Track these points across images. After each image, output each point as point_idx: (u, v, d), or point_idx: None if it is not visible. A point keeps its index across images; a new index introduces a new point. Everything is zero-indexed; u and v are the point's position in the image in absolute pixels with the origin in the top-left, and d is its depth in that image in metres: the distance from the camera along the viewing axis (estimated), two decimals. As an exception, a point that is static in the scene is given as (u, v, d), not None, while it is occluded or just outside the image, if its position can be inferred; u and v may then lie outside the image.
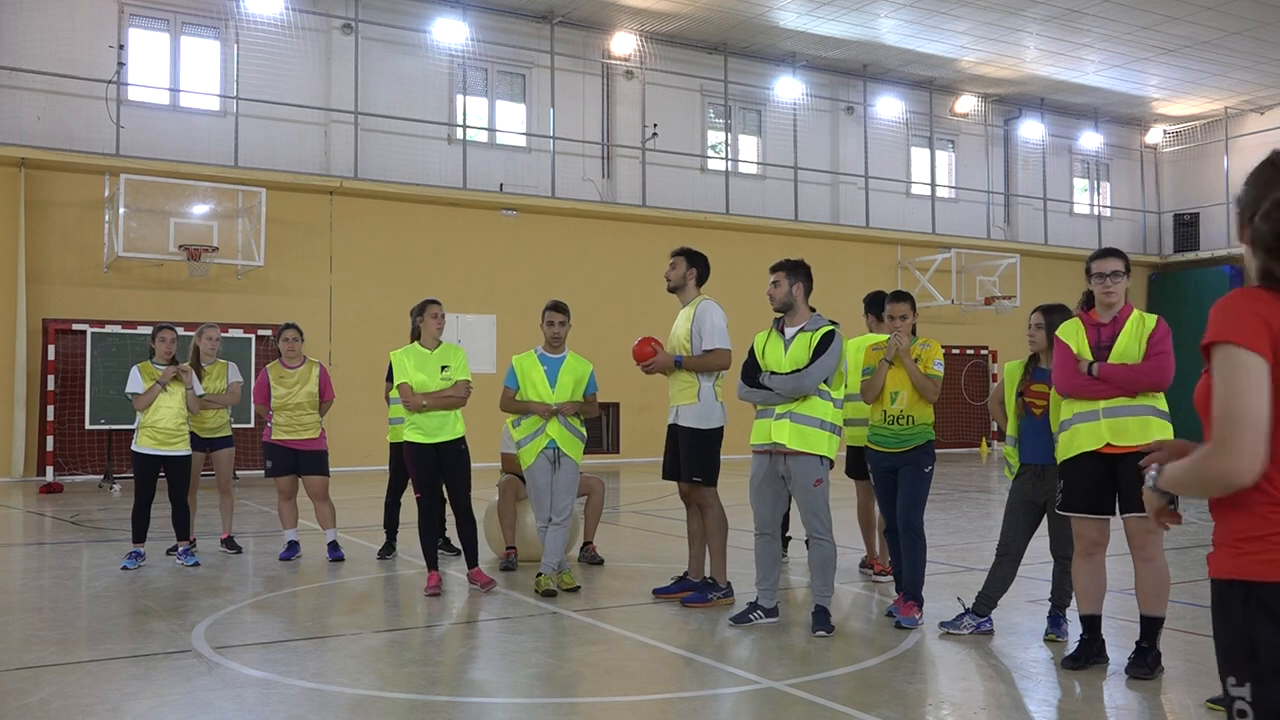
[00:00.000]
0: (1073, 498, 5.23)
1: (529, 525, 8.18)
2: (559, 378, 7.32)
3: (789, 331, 6.13)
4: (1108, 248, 5.43)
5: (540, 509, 7.34)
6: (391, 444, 8.70)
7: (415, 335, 7.44)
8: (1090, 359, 5.17)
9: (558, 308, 7.44)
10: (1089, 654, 5.30)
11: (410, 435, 7.27)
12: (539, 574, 7.21)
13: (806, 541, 6.38)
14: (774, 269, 6.24)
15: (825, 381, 5.97)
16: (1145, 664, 5.03)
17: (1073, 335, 5.26)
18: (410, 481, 7.53)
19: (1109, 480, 5.15)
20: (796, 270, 6.19)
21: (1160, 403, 5.13)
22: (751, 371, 6.14)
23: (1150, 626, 5.09)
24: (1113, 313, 5.21)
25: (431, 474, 7.30)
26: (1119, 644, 5.46)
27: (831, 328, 6.06)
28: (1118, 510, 5.18)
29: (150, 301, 16.36)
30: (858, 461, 7.49)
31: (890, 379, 6.23)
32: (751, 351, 6.25)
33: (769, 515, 6.19)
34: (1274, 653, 2.02)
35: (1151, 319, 5.16)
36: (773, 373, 6.03)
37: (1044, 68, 23.33)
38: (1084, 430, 5.16)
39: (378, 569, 8.26)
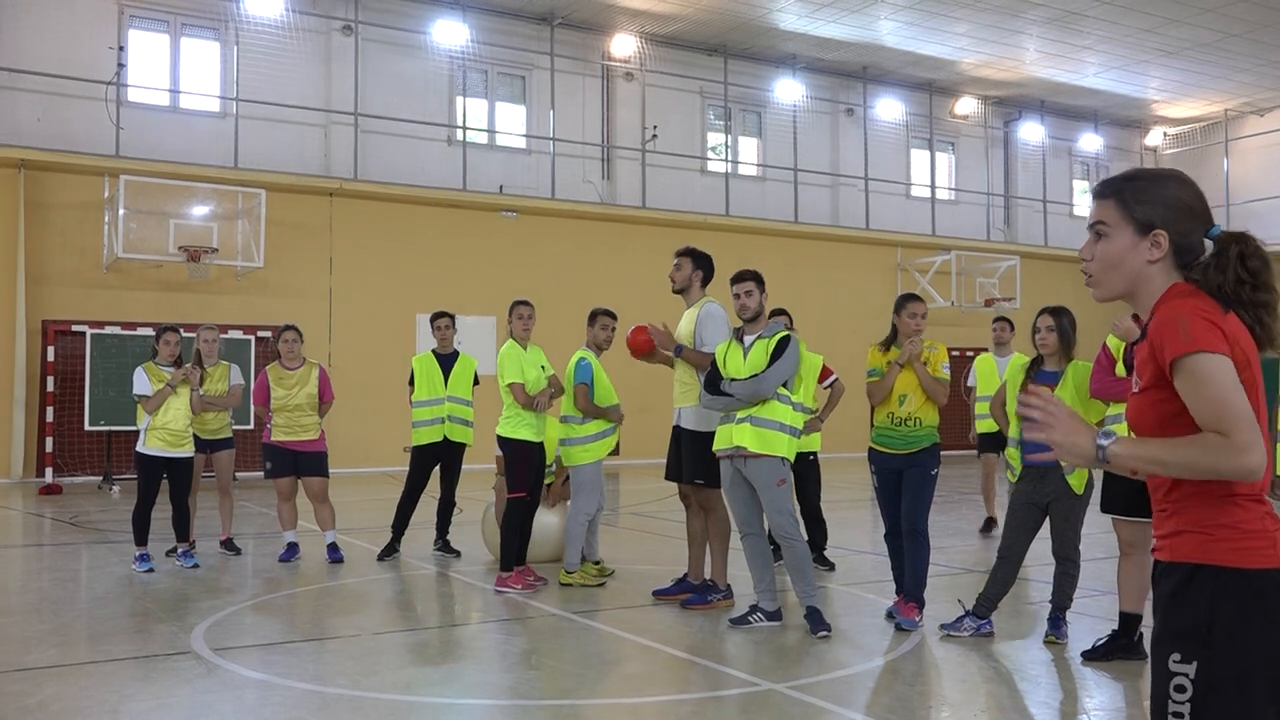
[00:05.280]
0: (1109, 499, 5.36)
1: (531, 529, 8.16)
2: None
3: (748, 339, 6.26)
4: None
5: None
6: (416, 447, 8.83)
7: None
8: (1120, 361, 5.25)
9: (613, 313, 7.95)
10: (1114, 649, 5.34)
11: (526, 434, 7.42)
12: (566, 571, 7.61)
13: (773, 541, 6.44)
14: (742, 279, 6.35)
15: (785, 385, 6.07)
16: None
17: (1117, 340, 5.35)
18: (516, 482, 7.49)
19: (1143, 483, 5.19)
20: (761, 279, 6.39)
21: None
22: (714, 380, 6.25)
23: None
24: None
25: (541, 475, 7.64)
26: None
27: (787, 333, 6.18)
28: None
29: (150, 303, 16.35)
30: (990, 441, 9.82)
31: (899, 381, 6.24)
32: (714, 361, 6.36)
33: (747, 514, 6.27)
34: (1228, 635, 2.12)
35: None
36: (732, 379, 6.14)
37: (1044, 70, 23.33)
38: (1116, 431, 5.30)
39: (377, 570, 8.25)
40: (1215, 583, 2.15)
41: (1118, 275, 2.34)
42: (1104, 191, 2.38)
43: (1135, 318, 5.34)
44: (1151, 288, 2.31)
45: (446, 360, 8.93)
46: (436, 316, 9.10)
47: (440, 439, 8.80)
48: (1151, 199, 2.31)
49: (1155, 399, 2.24)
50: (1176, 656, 2.16)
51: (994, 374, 9.75)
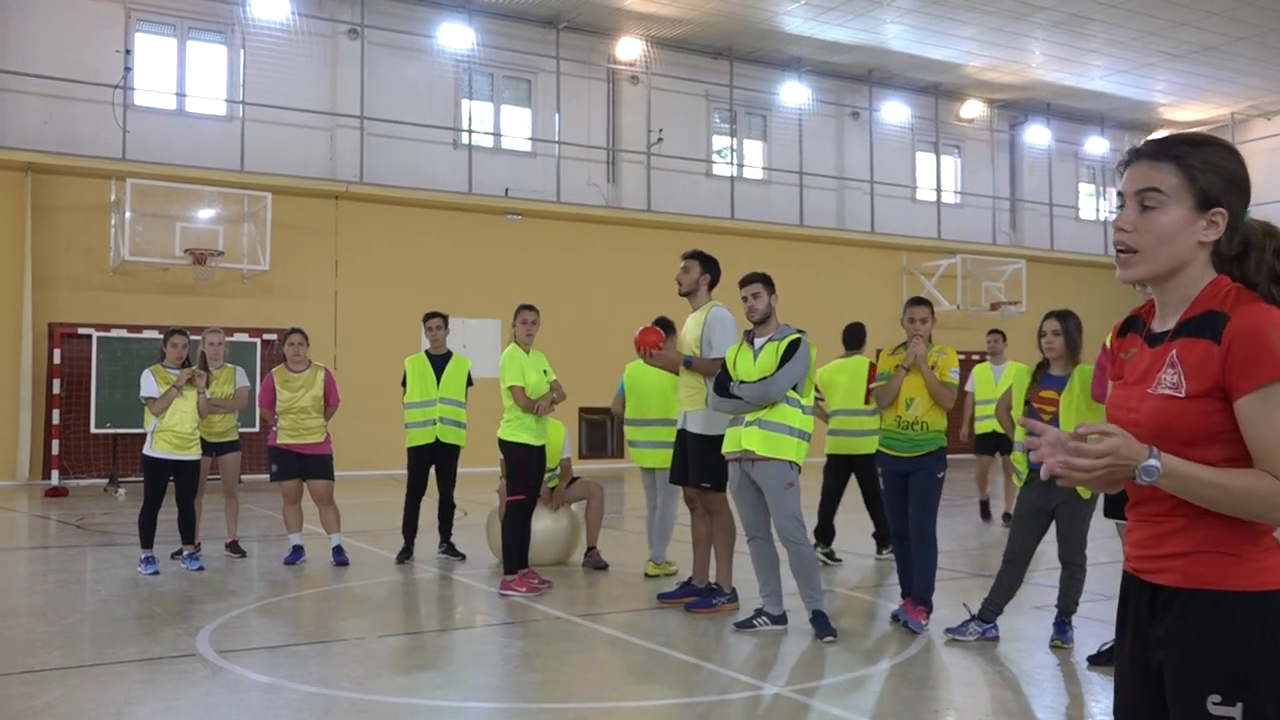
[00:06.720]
0: (1113, 504, 5.34)
1: (534, 532, 8.17)
2: None
3: (758, 341, 6.24)
4: None
5: None
6: (410, 449, 8.77)
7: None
8: None
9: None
10: None
11: (526, 438, 7.42)
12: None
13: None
14: (749, 281, 6.32)
15: (795, 389, 6.04)
16: None
17: None
18: (514, 485, 7.48)
19: None
20: (769, 281, 6.35)
21: None
22: (723, 382, 6.23)
23: None
24: None
25: (540, 478, 7.66)
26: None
27: (798, 335, 6.15)
28: None
29: (156, 306, 16.38)
30: (987, 442, 10.89)
31: (906, 385, 6.23)
32: (724, 363, 6.34)
33: (753, 518, 6.25)
34: (1272, 670, 1.90)
35: None
36: (742, 381, 6.11)
37: (1050, 73, 23.30)
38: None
39: (382, 573, 8.25)
40: (1250, 611, 1.92)
41: (1167, 253, 2.01)
42: (1162, 153, 2.03)
43: (1137, 311, 5.33)
44: (1191, 273, 2.03)
45: (439, 361, 8.90)
46: (429, 316, 9.07)
47: (432, 440, 8.77)
48: (1212, 169, 2.01)
49: (1208, 409, 1.95)
50: (1216, 699, 1.91)
51: (990, 381, 10.96)
